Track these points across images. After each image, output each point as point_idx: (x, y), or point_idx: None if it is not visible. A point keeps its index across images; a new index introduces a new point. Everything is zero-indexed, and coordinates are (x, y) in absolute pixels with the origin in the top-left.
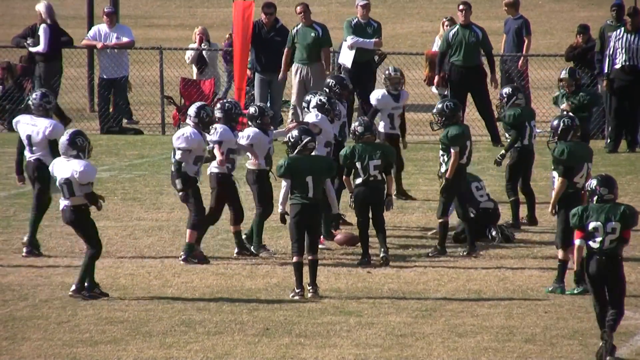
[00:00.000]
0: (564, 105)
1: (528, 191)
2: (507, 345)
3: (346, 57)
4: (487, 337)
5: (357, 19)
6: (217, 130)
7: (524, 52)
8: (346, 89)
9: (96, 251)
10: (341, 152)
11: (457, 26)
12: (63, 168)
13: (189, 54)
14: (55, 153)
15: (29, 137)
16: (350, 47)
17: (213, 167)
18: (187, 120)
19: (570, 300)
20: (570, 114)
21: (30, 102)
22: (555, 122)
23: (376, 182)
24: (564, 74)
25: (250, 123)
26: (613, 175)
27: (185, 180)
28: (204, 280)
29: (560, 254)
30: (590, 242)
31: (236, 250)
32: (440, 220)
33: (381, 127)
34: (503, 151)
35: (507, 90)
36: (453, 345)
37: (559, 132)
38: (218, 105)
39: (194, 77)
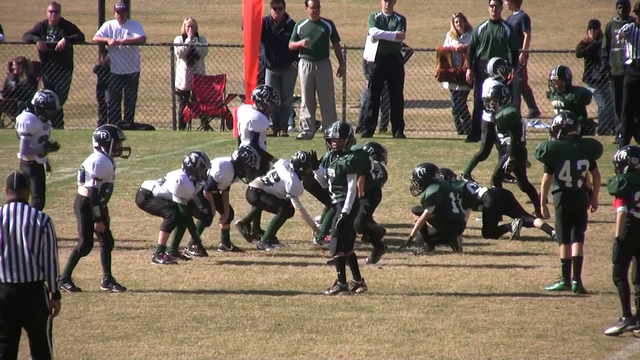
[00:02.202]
0: (554, 102)
1: (528, 187)
2: (519, 341)
3: (370, 52)
4: (499, 332)
5: (380, 13)
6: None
7: (523, 47)
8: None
9: (83, 247)
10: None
11: (487, 21)
12: (89, 157)
13: (179, 48)
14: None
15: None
16: (373, 40)
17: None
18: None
19: (582, 296)
20: (568, 111)
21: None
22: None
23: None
24: (553, 75)
25: (292, 168)
26: None
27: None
28: (216, 276)
29: (561, 252)
30: (634, 212)
31: (220, 245)
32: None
33: (487, 116)
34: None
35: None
36: (465, 341)
37: (551, 129)
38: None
39: (184, 72)
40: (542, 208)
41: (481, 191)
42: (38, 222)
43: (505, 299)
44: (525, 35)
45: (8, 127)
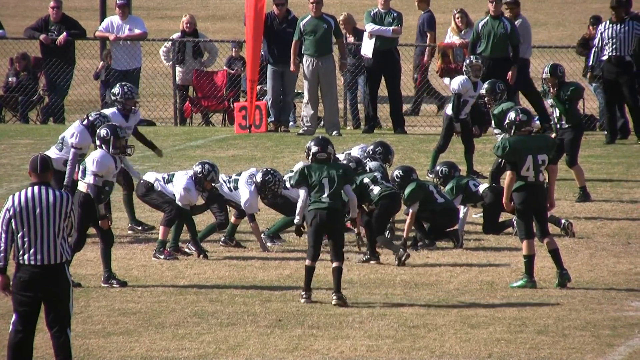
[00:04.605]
0: (550, 101)
1: None
2: (520, 336)
3: (367, 47)
4: (500, 328)
5: (377, 9)
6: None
7: (427, 49)
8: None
9: (77, 243)
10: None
11: (487, 17)
12: (91, 154)
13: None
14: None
15: None
16: (370, 36)
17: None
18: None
19: (583, 292)
20: (523, 107)
21: None
22: (508, 116)
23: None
24: (545, 74)
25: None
26: (625, 167)
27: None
28: (217, 271)
29: (524, 248)
30: None
31: (222, 239)
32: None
33: (449, 110)
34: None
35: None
36: (465, 337)
37: (505, 125)
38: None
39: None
40: (505, 205)
41: (482, 187)
42: (63, 204)
43: (506, 294)
44: (429, 35)
45: (9, 122)
